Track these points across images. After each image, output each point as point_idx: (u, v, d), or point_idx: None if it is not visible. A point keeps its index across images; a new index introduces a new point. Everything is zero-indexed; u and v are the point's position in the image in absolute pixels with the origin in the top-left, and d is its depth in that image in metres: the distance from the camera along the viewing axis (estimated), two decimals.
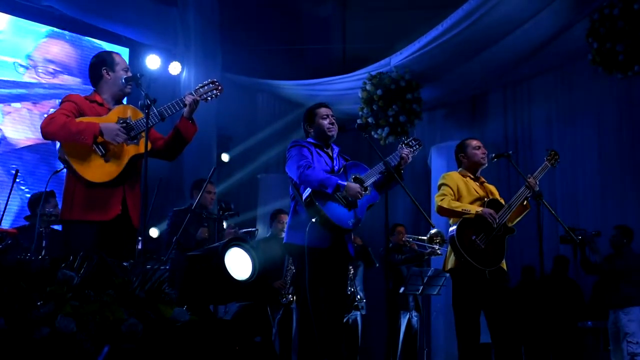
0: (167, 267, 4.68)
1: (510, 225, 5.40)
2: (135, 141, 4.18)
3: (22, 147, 9.01)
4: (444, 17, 8.74)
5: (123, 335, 2.73)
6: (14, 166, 8.65)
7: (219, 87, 4.39)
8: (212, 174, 6.24)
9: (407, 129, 9.63)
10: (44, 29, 9.44)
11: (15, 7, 9.12)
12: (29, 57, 9.25)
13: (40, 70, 9.29)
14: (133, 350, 2.66)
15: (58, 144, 4.16)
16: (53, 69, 9.40)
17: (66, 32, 9.58)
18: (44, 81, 9.28)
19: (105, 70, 4.36)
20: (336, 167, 4.92)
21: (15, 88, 9.05)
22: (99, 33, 9.77)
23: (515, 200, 5.36)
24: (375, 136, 9.60)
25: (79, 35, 9.69)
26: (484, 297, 5.22)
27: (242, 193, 10.57)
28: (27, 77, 9.20)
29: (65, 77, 9.50)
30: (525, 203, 5.42)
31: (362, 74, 9.92)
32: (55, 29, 9.54)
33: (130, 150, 4.17)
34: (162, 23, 10.21)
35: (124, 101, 4.59)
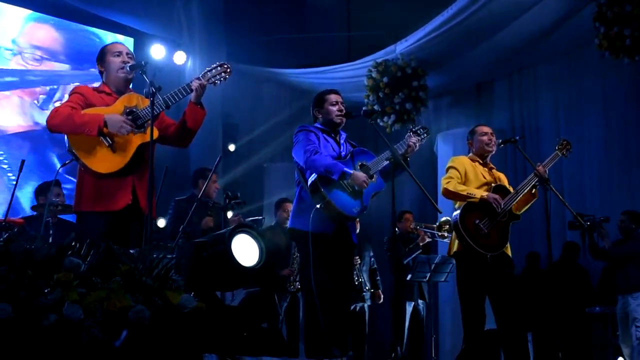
0: (174, 255, 4.68)
1: (516, 212, 5.38)
2: (142, 130, 4.15)
3: (11, 134, 8.92)
4: (449, 4, 8.69)
5: (130, 322, 2.73)
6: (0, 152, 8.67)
7: (228, 70, 4.30)
8: (218, 163, 6.24)
9: (413, 116, 9.61)
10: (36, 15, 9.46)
11: None
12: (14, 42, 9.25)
13: (26, 56, 9.27)
14: (144, 335, 2.66)
15: (66, 138, 4.15)
16: (40, 55, 9.39)
17: (50, 17, 9.55)
18: (31, 67, 9.25)
19: (99, 64, 4.39)
20: (343, 153, 4.92)
21: (5, 76, 9.03)
22: (103, 23, 9.76)
23: (522, 187, 5.35)
24: (381, 124, 9.59)
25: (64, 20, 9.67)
26: (488, 282, 5.21)
27: (248, 182, 10.57)
28: (15, 64, 9.16)
29: (52, 63, 9.50)
30: (533, 191, 5.40)
31: (367, 61, 9.90)
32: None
33: (137, 139, 4.14)
34: (166, 13, 10.19)
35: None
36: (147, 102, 4.17)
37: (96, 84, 4.48)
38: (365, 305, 8.11)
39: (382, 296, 8.28)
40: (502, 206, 5.21)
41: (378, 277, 8.31)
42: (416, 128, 5.20)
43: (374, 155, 4.95)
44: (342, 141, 5.01)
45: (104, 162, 4.07)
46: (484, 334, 5.27)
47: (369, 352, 8.34)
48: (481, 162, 5.55)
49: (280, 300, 7.42)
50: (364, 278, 8.01)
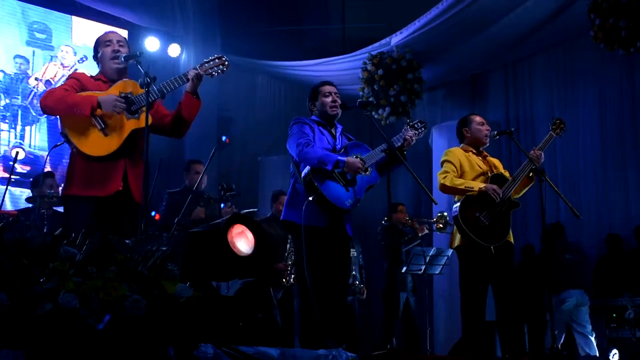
0: (168, 247, 4.67)
1: (515, 197, 5.36)
2: (136, 115, 4.16)
3: None
4: None
5: (126, 311, 2.72)
6: None
7: (226, 63, 4.34)
8: (213, 155, 6.23)
9: (408, 109, 9.61)
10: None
11: None
12: None
13: None
14: (134, 322, 2.65)
15: (59, 119, 4.14)
16: None
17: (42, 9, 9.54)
18: None
19: (95, 55, 4.43)
20: (338, 146, 4.90)
21: None
22: (97, 15, 9.72)
23: (519, 173, 5.34)
24: (376, 116, 9.58)
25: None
26: (491, 273, 5.20)
27: (243, 175, 10.56)
28: None
29: None
30: (530, 175, 5.39)
31: (362, 53, 9.88)
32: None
33: (131, 125, 4.15)
34: (160, 5, 10.17)
35: None
36: (142, 90, 4.16)
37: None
38: (355, 300, 8.08)
39: (365, 291, 8.22)
40: (500, 196, 5.20)
41: (364, 274, 8.28)
42: (414, 122, 5.17)
43: (369, 149, 4.92)
44: (337, 134, 4.98)
45: (95, 145, 4.07)
46: (483, 326, 5.25)
47: (362, 343, 8.34)
48: (475, 151, 5.52)
49: (274, 291, 7.39)
50: (355, 272, 7.98)
